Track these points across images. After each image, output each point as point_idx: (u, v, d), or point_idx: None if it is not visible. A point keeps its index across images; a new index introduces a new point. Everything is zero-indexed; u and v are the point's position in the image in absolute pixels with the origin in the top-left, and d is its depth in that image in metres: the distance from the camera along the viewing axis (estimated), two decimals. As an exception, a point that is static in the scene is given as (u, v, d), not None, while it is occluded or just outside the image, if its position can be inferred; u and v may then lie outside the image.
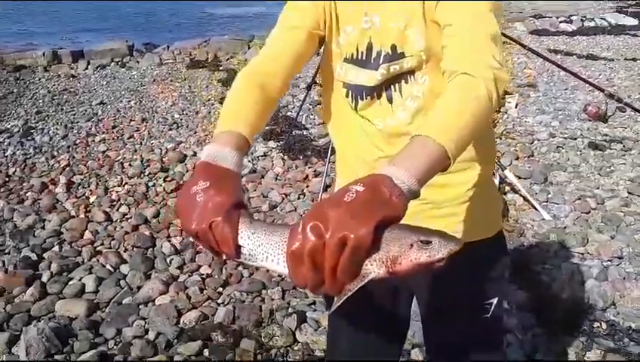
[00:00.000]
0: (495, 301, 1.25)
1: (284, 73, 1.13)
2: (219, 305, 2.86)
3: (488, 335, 1.30)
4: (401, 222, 0.77)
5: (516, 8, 13.50)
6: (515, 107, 6.08)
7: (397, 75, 1.11)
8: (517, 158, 4.76)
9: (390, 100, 1.14)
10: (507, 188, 4.07)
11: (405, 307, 1.41)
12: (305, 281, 0.73)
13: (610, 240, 3.30)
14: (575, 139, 5.11)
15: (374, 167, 1.09)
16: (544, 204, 3.88)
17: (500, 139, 5.22)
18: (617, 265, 3.03)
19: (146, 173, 4.76)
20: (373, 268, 0.73)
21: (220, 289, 3.00)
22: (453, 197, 1.17)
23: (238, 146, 0.93)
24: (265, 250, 0.81)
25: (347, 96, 1.18)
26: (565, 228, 3.53)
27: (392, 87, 1.13)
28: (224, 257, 0.85)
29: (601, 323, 2.57)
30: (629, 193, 3.92)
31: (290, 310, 2.75)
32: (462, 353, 1.29)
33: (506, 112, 5.97)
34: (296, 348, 2.50)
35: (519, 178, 4.17)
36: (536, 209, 3.76)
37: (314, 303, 2.81)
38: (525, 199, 3.88)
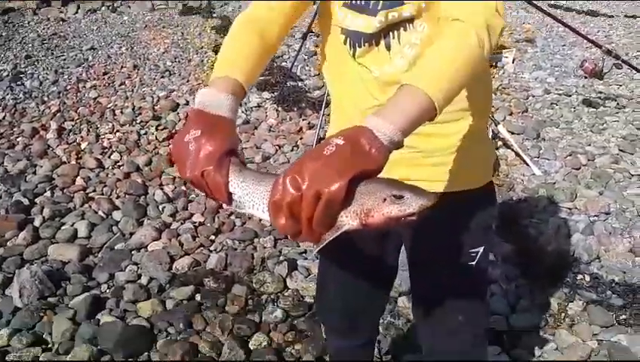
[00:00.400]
0: (481, 250, 1.26)
1: (282, 20, 1.11)
2: (211, 252, 2.89)
3: (472, 284, 1.31)
4: (389, 167, 0.78)
5: (517, -40, 13.19)
6: (512, 62, 6.02)
7: (396, 22, 1.09)
8: (511, 114, 4.75)
9: (388, 47, 1.12)
10: (499, 143, 4.08)
11: (393, 254, 1.43)
12: (285, 230, 0.77)
13: (599, 196, 3.34)
14: (570, 95, 5.09)
15: None
16: (535, 159, 3.90)
17: (495, 94, 5.20)
18: (604, 221, 3.07)
19: (137, 121, 4.72)
20: (348, 220, 0.76)
21: (213, 236, 3.03)
22: (445, 147, 1.17)
23: (234, 92, 0.93)
24: (252, 198, 0.83)
25: (345, 42, 1.16)
26: (555, 183, 3.56)
27: (390, 34, 1.11)
28: (220, 202, 0.87)
29: (584, 276, 2.63)
30: (620, 150, 3.94)
31: (281, 258, 2.79)
32: (446, 300, 1.31)
33: (502, 67, 5.91)
34: (286, 294, 2.55)
35: (512, 133, 4.18)
36: (527, 164, 3.79)
37: (305, 251, 2.85)
38: (517, 154, 3.90)
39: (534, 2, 3.64)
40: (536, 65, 6.00)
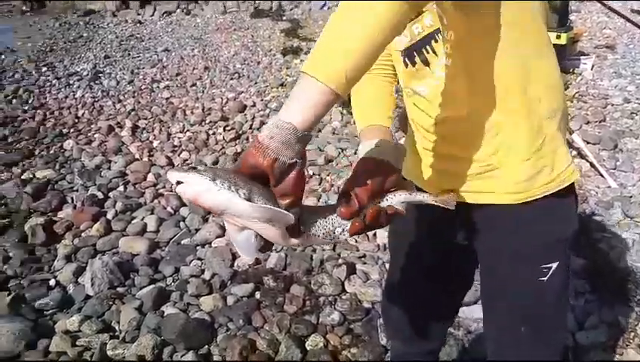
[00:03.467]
0: (554, 266, 1.17)
1: (384, 64, 1.26)
2: (271, 251, 2.93)
3: (542, 300, 1.21)
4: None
5: (598, -37, 12.64)
6: (591, 69, 5.77)
7: (424, 36, 1.09)
8: (587, 123, 4.56)
9: (426, 63, 1.11)
10: (574, 152, 3.92)
11: (469, 265, 1.38)
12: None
13: (679, 212, 3.14)
14: (651, 105, 4.83)
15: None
16: (611, 171, 3.72)
17: (572, 102, 5.00)
18: (683, 239, 2.89)
19: (206, 121, 4.87)
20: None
21: (274, 236, 3.07)
22: (497, 151, 1.09)
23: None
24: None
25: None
26: (631, 197, 3.38)
27: (423, 50, 1.10)
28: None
29: (659, 296, 2.48)
30: None
31: (340, 261, 2.79)
32: (511, 313, 1.25)
33: (580, 74, 5.68)
34: (344, 297, 2.55)
35: (587, 143, 4.01)
36: (602, 176, 3.62)
37: (364, 256, 2.84)
38: (592, 165, 3.73)
39: (615, 8, 3.48)
40: (616, 72, 5.73)
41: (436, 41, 1.08)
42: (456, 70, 1.04)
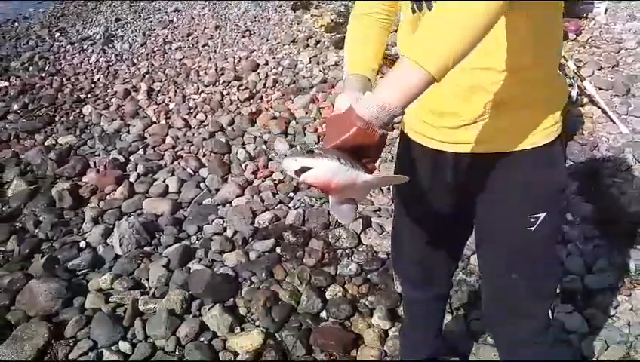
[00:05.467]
0: (542, 215, 1.20)
1: (386, 6, 1.28)
2: (289, 208, 3.04)
3: (527, 251, 1.26)
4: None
5: None
6: (604, 12, 5.66)
7: None
8: (600, 69, 4.51)
9: (431, 8, 1.10)
10: (585, 99, 3.91)
11: (469, 211, 1.40)
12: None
13: (690, 156, 3.17)
14: (666, 47, 4.76)
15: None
16: (623, 116, 3.72)
17: (584, 47, 4.94)
18: (694, 182, 2.93)
19: (220, 82, 4.91)
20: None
21: (291, 194, 3.18)
22: (495, 103, 1.13)
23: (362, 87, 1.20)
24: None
25: (411, 10, 1.19)
26: (643, 142, 3.40)
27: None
28: None
29: (666, 238, 2.55)
30: None
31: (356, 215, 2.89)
32: (500, 261, 1.32)
33: (593, 19, 5.58)
34: (360, 249, 2.66)
35: (599, 89, 3.99)
36: (613, 122, 3.62)
37: (379, 209, 2.93)
38: (603, 111, 3.73)
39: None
40: (631, 15, 5.60)
41: None
42: None
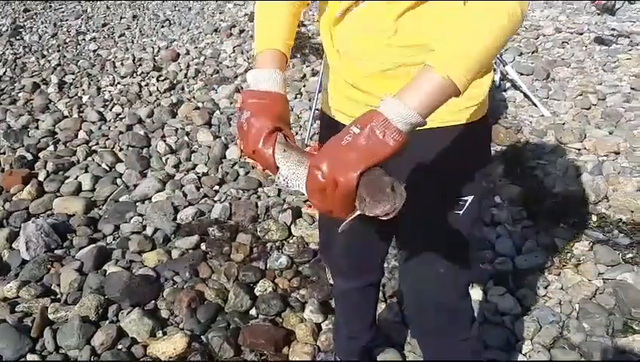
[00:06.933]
0: (470, 198, 1.17)
1: None
2: (215, 202, 2.89)
3: (456, 234, 1.21)
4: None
5: None
6: (522, 0, 5.82)
7: None
8: (520, 54, 4.63)
9: None
10: (508, 84, 3.99)
11: None
12: (319, 209, 0.87)
13: (608, 135, 3.27)
14: (581, 34, 4.94)
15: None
16: (544, 100, 3.81)
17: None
18: (613, 160, 3.02)
19: (138, 73, 4.66)
20: (360, 207, 0.81)
21: (217, 187, 3.02)
22: None
23: (277, 64, 1.02)
24: (296, 179, 0.90)
25: None
26: (564, 124, 3.49)
27: None
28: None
29: (591, 216, 2.60)
30: (632, 89, 3.84)
31: (285, 206, 2.78)
32: (427, 250, 1.24)
33: (511, 6, 5.72)
34: (291, 241, 2.56)
35: (521, 74, 4.07)
36: (535, 105, 3.70)
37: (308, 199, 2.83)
38: (525, 95, 3.81)
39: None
40: (547, 2, 5.80)
41: None
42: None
